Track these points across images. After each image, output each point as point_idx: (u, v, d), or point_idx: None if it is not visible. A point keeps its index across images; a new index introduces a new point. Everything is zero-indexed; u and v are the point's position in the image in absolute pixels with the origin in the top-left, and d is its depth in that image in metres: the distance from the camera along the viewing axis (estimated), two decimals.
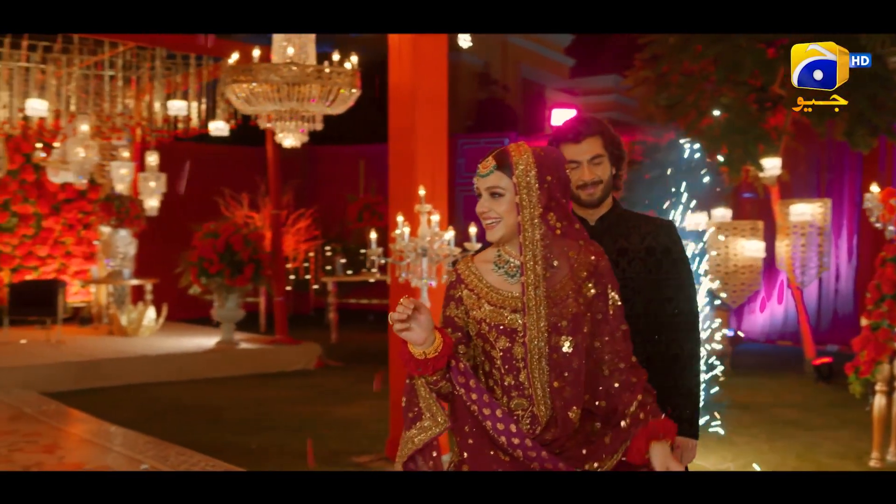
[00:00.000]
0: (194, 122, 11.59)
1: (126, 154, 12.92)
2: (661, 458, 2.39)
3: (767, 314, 12.92)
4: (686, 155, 7.08)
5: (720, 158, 9.49)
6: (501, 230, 2.45)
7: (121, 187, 12.62)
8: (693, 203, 6.89)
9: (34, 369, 9.51)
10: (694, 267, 6.48)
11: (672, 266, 2.96)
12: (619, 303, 2.51)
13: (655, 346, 2.89)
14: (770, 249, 10.75)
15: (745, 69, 9.37)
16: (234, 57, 6.34)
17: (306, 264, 15.42)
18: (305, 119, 6.54)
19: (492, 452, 2.40)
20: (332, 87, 6.34)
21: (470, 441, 2.42)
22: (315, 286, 15.52)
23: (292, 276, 15.10)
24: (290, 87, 6.21)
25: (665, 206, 6.88)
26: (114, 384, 9.48)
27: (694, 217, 8.14)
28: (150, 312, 12.12)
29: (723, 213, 10.68)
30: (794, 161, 11.26)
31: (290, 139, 6.58)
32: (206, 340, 11.42)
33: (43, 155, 12.47)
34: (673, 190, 6.86)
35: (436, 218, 5.98)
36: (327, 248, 15.41)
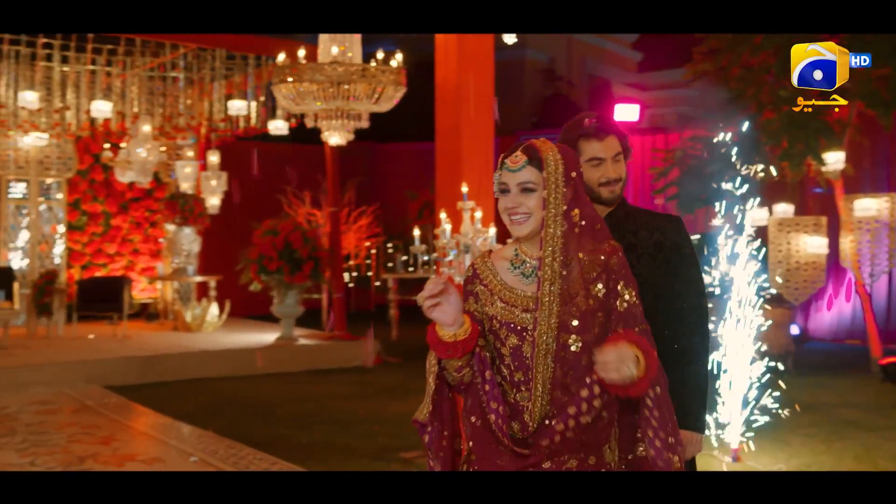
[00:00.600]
0: (254, 121, 11.77)
1: (191, 153, 13.19)
2: (616, 354, 2.29)
3: (835, 313, 12.59)
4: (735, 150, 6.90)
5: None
6: (530, 225, 2.41)
7: (185, 186, 12.90)
8: (754, 199, 6.68)
9: (100, 363, 9.77)
10: (752, 264, 6.35)
11: (681, 261, 2.98)
12: (635, 300, 2.45)
13: (664, 340, 2.82)
14: (835, 246, 10.48)
15: None
16: (281, 57, 6.41)
17: (368, 261, 15.56)
18: (351, 117, 6.58)
19: (495, 445, 2.39)
20: (378, 85, 6.36)
21: (477, 433, 2.41)
22: (377, 283, 15.64)
23: (354, 273, 15.24)
24: (336, 86, 6.25)
25: (722, 202, 6.70)
26: (176, 378, 9.69)
27: (754, 213, 7.94)
28: (214, 309, 12.36)
29: (784, 209, 10.43)
30: (859, 155, 10.93)
31: (335, 137, 6.64)
32: (266, 336, 11.59)
33: (110, 155, 12.81)
34: (729, 186, 6.68)
35: (479, 215, 5.97)
36: (389, 245, 15.52)
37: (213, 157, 12.43)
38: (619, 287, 2.43)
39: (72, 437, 6.89)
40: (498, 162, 2.47)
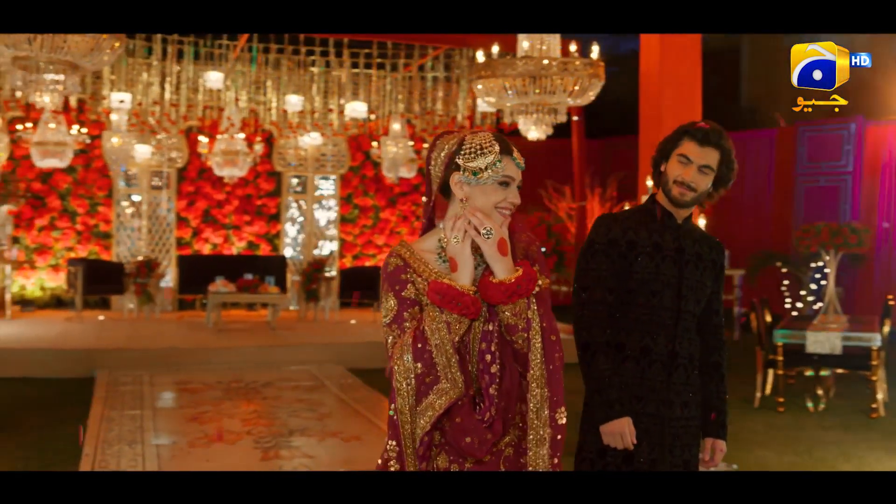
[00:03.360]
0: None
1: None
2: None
3: None
4: None
5: None
6: (509, 218, 2.40)
7: None
8: None
9: (348, 347, 10.48)
10: None
11: (721, 284, 3.25)
12: (546, 286, 2.41)
13: (696, 346, 3.17)
14: None
15: None
16: (479, 54, 6.54)
17: None
18: (551, 112, 6.58)
19: (467, 424, 2.33)
20: (577, 78, 6.31)
21: (458, 412, 2.34)
22: None
23: None
24: (533, 80, 6.28)
25: None
26: None
27: None
28: None
29: None
30: None
31: (533, 132, 6.66)
32: None
33: (377, 152, 13.65)
34: None
35: None
36: None
37: None
38: (535, 272, 2.39)
39: (293, 412, 7.49)
40: (490, 149, 2.35)
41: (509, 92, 6.35)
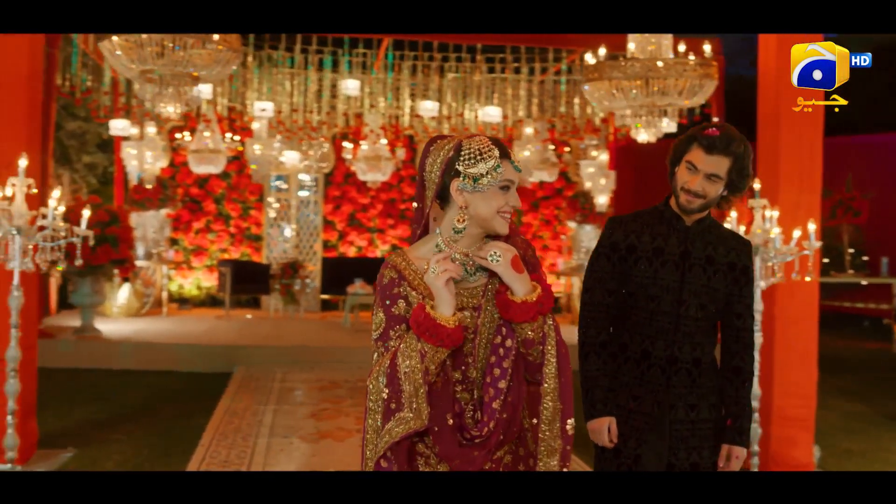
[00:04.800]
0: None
1: (595, 153, 13.57)
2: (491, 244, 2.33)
3: None
4: None
5: None
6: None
7: (589, 185, 13.33)
8: None
9: None
10: None
11: (746, 285, 3.10)
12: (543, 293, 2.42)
13: (714, 351, 3.10)
14: None
15: None
16: (588, 56, 6.45)
17: None
18: (663, 114, 6.41)
19: (456, 444, 2.33)
20: (689, 79, 6.14)
21: (444, 434, 2.32)
22: None
23: None
24: (645, 82, 6.16)
25: None
26: None
27: None
28: None
29: None
30: None
31: (643, 134, 6.52)
32: None
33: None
34: None
35: (774, 214, 5.50)
36: None
37: (603, 157, 12.68)
38: (551, 286, 2.41)
39: None
40: (490, 154, 2.33)
41: (618, 93, 6.23)
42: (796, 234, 5.52)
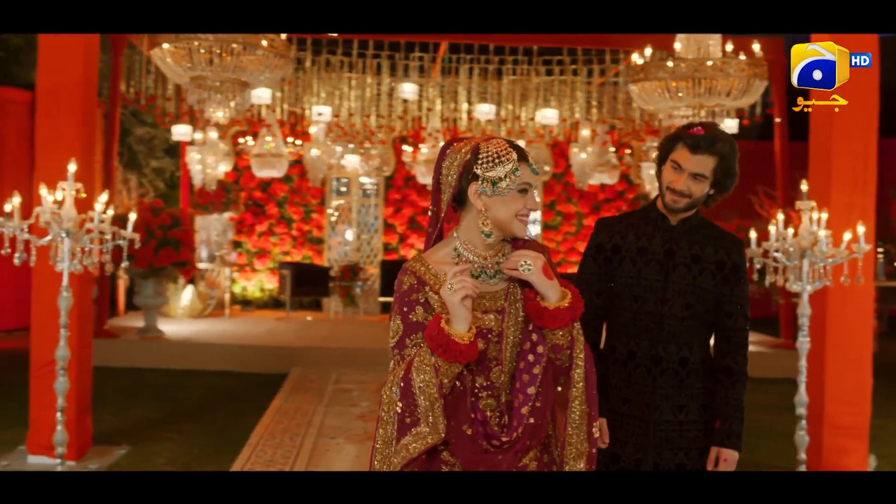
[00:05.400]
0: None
1: (654, 155, 13.38)
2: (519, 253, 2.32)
3: None
4: None
5: None
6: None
7: (650, 187, 13.17)
8: None
9: None
10: None
11: (737, 283, 3.04)
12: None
13: (706, 351, 3.04)
14: None
15: None
16: (635, 56, 6.39)
17: None
18: (714, 113, 6.31)
19: (478, 453, 2.31)
20: (738, 79, 6.03)
21: (464, 443, 2.31)
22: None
23: None
24: (694, 82, 6.07)
25: None
26: None
27: None
28: None
29: None
30: None
31: None
32: None
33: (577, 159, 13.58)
34: None
35: (822, 216, 5.37)
36: (879, 249, 14.08)
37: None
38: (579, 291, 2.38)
39: None
40: (508, 157, 2.30)
41: (665, 93, 6.15)
42: (847, 236, 5.38)
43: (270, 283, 14.24)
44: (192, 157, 12.50)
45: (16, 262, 4.76)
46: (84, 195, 5.06)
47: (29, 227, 4.81)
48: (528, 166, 2.34)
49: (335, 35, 10.43)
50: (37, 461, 5.83)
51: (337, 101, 11.66)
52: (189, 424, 7.24)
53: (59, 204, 4.99)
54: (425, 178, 12.86)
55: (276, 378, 9.32)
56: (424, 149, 12.71)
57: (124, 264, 5.20)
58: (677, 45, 6.06)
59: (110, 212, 5.19)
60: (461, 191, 2.33)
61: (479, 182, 2.30)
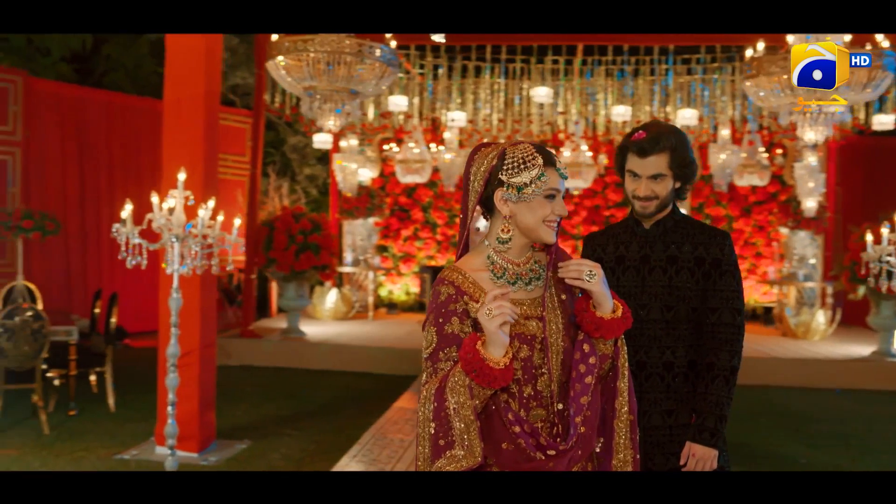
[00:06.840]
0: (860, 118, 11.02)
1: (809, 155, 12.78)
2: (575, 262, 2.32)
3: None
4: None
5: None
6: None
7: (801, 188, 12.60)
8: None
9: None
10: None
11: (720, 277, 2.98)
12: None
13: (696, 352, 2.99)
14: None
15: None
16: (749, 52, 6.14)
17: None
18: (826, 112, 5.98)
19: (524, 464, 2.24)
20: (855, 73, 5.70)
21: (506, 458, 2.24)
22: None
23: None
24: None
25: None
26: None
27: None
28: (820, 316, 11.83)
29: None
30: None
31: (809, 133, 6.10)
32: (860, 349, 10.74)
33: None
34: None
35: None
36: None
37: (811, 158, 11.90)
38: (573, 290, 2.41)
39: None
40: (533, 162, 2.27)
41: (778, 90, 5.89)
42: None
43: (416, 287, 14.53)
44: (337, 165, 12.94)
45: (128, 265, 5.10)
46: (193, 202, 5.36)
47: (140, 232, 5.14)
48: (557, 171, 2.30)
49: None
50: (163, 452, 6.21)
51: (471, 105, 11.78)
52: (311, 422, 7.50)
53: (171, 210, 5.31)
54: (571, 181, 12.77)
55: (409, 380, 9.51)
56: (566, 152, 12.62)
57: (216, 267, 5.45)
58: (790, 39, 5.79)
59: (220, 217, 5.48)
60: (488, 197, 2.32)
61: (505, 188, 2.28)
